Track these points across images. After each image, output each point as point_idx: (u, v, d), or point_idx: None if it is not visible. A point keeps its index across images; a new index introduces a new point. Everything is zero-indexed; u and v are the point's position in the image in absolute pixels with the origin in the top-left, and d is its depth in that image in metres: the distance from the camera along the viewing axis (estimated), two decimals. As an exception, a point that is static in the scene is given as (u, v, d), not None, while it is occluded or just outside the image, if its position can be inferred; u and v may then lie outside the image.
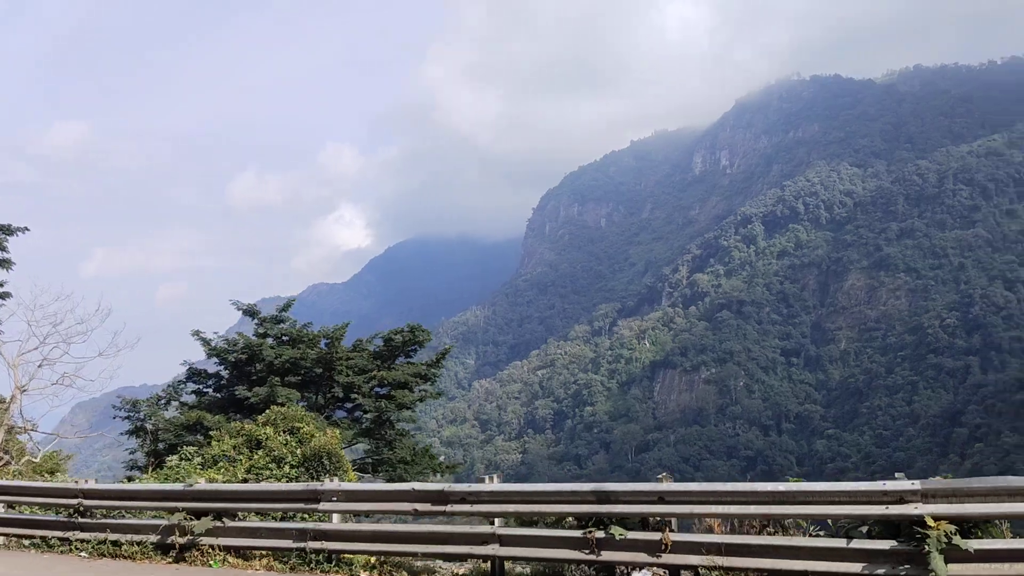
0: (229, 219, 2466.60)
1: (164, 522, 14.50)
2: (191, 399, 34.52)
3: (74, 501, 15.82)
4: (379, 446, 33.23)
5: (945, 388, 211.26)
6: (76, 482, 16.60)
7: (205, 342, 34.03)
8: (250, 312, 35.65)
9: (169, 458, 21.64)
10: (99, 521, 15.54)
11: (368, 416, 33.72)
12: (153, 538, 14.53)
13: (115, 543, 15.05)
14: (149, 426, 31.20)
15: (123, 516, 15.80)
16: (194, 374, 35.71)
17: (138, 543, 14.73)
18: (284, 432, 19.60)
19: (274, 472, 17.87)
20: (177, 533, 14.19)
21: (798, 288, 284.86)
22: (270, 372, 32.20)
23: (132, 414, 32.22)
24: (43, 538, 16.28)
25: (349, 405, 34.58)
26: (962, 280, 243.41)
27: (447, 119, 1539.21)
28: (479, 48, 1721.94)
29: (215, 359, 34.46)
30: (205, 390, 35.66)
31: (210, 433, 22.81)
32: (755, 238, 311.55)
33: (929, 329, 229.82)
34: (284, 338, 34.17)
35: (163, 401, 33.68)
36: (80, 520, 15.74)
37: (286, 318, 35.44)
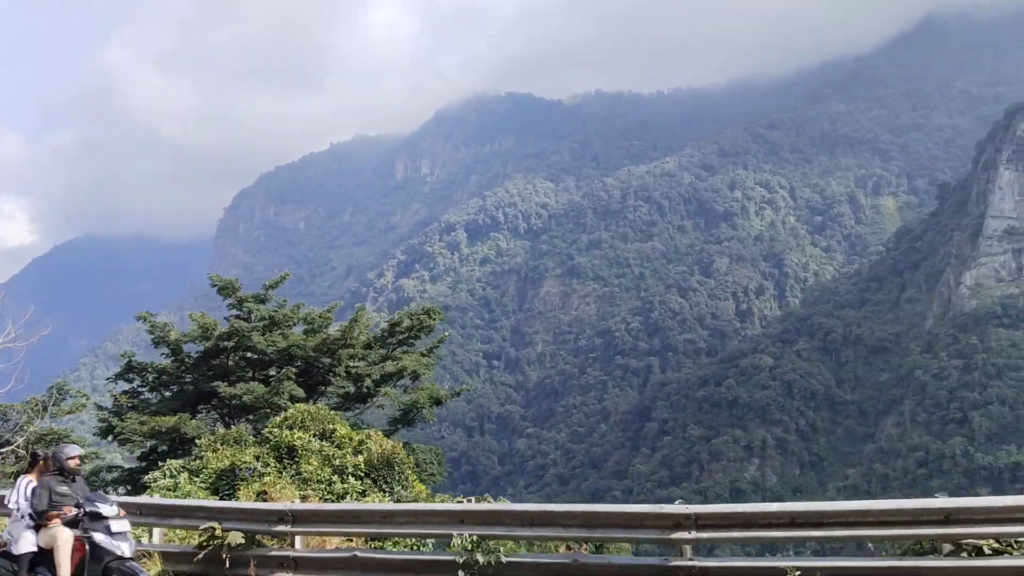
0: None
1: (443, 556, 10.78)
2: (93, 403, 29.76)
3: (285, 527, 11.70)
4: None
5: (631, 386, 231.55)
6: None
7: (156, 327, 28.23)
8: (227, 289, 30.04)
9: (151, 475, 17.04)
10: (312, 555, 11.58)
11: (388, 413, 30.57)
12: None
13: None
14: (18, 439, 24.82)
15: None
16: (131, 369, 29.48)
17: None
18: (316, 436, 16.70)
19: (337, 485, 15.17)
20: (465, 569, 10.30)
21: (499, 294, 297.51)
22: (260, 364, 27.70)
23: None
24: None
25: (361, 404, 30.66)
26: (642, 288, 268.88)
27: (131, 108, 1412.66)
28: (179, 34, 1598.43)
29: (165, 349, 28.92)
30: (140, 389, 29.91)
31: (196, 441, 18.70)
32: (459, 245, 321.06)
33: (616, 332, 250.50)
34: (264, 322, 29.22)
35: (43, 407, 27.06)
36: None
37: (269, 297, 30.50)
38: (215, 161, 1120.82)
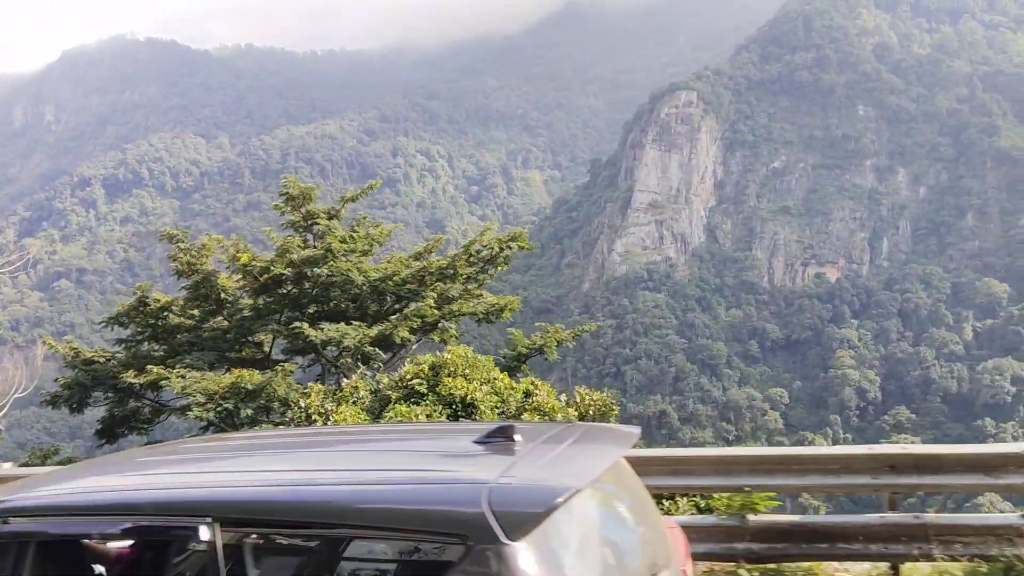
0: None
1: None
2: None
3: None
4: None
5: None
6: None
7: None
8: (299, 199, 22.91)
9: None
10: None
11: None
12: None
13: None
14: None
15: None
16: (142, 305, 22.35)
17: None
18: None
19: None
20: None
21: (144, 257, 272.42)
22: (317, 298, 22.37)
23: None
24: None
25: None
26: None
27: None
28: None
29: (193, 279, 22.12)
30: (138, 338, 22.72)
31: (299, 403, 14.84)
32: (95, 202, 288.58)
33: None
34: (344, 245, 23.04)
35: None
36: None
37: (342, 213, 23.85)
38: None
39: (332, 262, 22.55)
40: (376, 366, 22.28)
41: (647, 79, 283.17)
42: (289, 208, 23.92)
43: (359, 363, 21.96)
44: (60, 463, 18.29)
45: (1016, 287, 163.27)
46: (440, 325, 24.26)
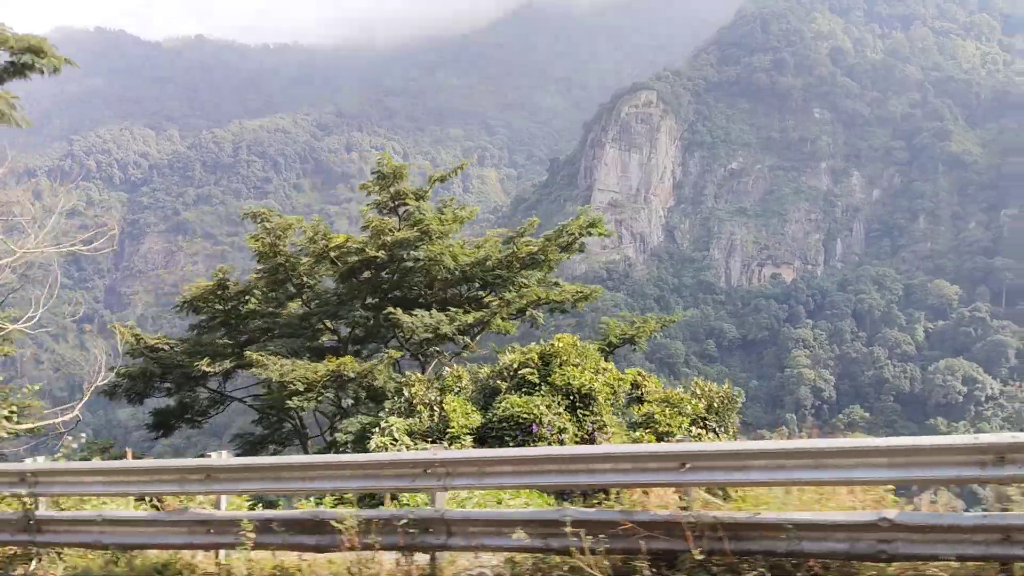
0: None
1: None
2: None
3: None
4: None
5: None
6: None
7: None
8: (389, 178, 22.21)
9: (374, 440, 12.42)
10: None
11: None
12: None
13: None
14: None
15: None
16: (221, 288, 21.73)
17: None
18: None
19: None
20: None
21: (91, 249, 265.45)
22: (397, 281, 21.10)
23: None
24: None
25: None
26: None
27: None
28: None
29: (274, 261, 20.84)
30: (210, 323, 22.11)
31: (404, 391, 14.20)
32: (41, 194, 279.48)
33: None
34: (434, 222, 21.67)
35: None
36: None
37: (428, 195, 22.71)
38: None
39: (428, 245, 21.34)
40: (464, 355, 21.37)
41: (603, 80, 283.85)
42: (377, 187, 22.74)
43: (440, 351, 21.01)
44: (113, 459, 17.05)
45: (967, 289, 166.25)
46: (528, 313, 23.16)
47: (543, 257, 23.14)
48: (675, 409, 13.60)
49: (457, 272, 22.43)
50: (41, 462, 9.59)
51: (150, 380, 22.46)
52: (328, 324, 22.51)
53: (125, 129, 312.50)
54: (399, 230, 21.92)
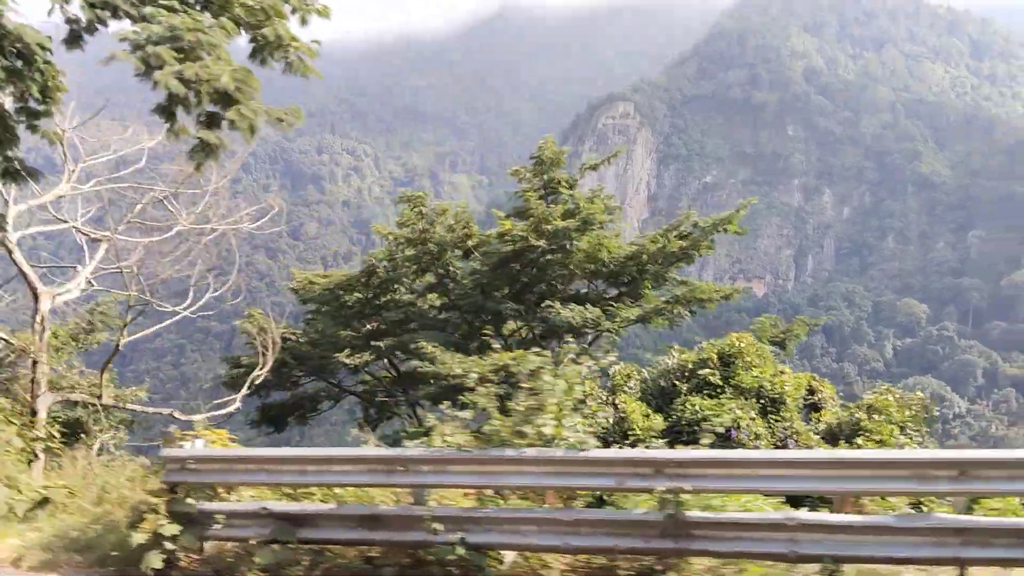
0: None
1: None
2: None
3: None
4: None
5: (212, 350, 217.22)
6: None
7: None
8: (547, 164, 20.99)
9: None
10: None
11: None
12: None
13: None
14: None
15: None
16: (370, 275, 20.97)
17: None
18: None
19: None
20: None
21: (55, 244, 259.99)
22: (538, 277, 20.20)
23: None
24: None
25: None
26: (225, 246, 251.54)
27: None
28: None
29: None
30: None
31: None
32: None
33: (197, 295, 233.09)
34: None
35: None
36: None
37: (575, 181, 21.79)
38: None
39: (589, 234, 20.57)
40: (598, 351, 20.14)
41: (575, 88, 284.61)
42: (531, 173, 21.67)
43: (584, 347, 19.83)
44: None
45: (934, 308, 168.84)
46: (676, 311, 22.05)
47: (695, 251, 22.23)
48: (883, 416, 13.03)
49: (612, 265, 21.53)
50: (683, 450, 7.72)
51: (290, 372, 21.57)
52: (478, 318, 21.55)
53: (90, 124, 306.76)
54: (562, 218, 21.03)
